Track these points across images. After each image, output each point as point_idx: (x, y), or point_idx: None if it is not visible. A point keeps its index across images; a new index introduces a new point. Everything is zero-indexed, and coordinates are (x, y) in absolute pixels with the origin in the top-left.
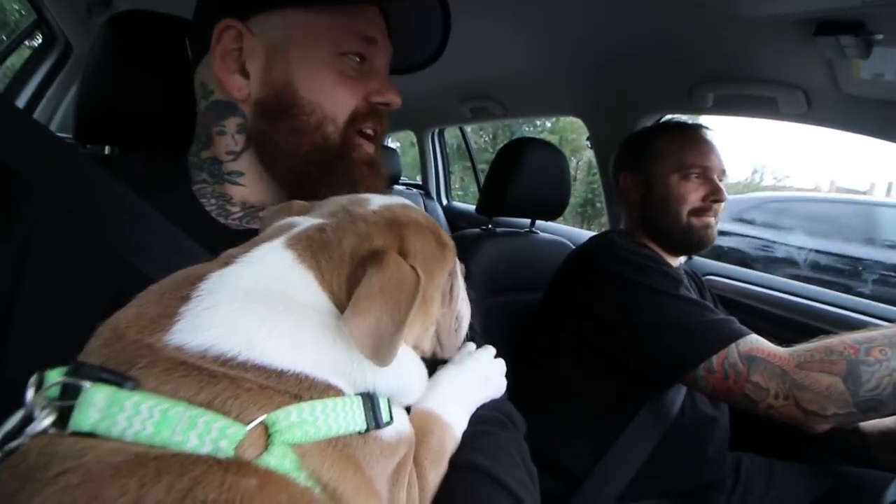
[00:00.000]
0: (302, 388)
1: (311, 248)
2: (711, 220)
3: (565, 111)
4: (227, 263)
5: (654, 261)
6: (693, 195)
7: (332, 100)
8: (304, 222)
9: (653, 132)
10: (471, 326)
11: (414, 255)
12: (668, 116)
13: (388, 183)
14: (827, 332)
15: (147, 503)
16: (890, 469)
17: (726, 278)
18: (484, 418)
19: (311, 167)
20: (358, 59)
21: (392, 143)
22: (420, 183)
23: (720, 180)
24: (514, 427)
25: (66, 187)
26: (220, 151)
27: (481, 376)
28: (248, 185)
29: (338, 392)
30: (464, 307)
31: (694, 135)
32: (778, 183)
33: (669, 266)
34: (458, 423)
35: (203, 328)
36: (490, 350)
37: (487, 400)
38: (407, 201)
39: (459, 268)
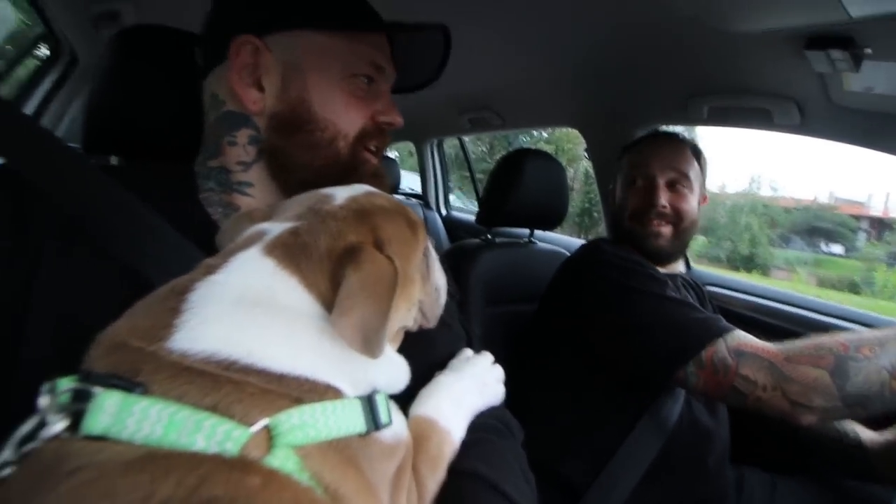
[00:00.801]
0: (303, 390)
1: (290, 254)
2: (657, 228)
3: (563, 122)
4: (209, 273)
5: (641, 265)
6: (632, 200)
7: (345, 117)
8: (275, 228)
9: (629, 144)
10: (469, 332)
11: (388, 242)
12: (663, 128)
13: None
14: None
15: (158, 498)
16: (893, 484)
17: (727, 289)
18: (482, 426)
19: (325, 180)
20: (366, 81)
21: (391, 152)
22: (419, 193)
23: (682, 186)
24: (511, 435)
25: (76, 197)
26: (229, 161)
27: (479, 383)
28: (256, 196)
29: (337, 393)
30: (439, 277)
31: (649, 143)
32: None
33: (655, 269)
34: (455, 430)
35: (203, 336)
36: (488, 356)
37: (485, 407)
38: (369, 187)
39: (430, 241)
